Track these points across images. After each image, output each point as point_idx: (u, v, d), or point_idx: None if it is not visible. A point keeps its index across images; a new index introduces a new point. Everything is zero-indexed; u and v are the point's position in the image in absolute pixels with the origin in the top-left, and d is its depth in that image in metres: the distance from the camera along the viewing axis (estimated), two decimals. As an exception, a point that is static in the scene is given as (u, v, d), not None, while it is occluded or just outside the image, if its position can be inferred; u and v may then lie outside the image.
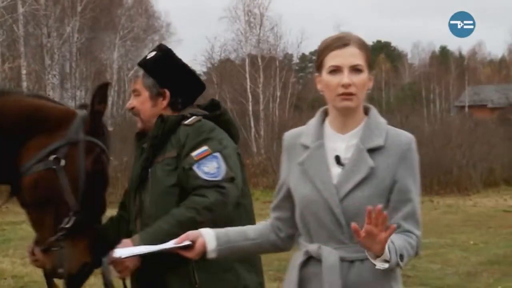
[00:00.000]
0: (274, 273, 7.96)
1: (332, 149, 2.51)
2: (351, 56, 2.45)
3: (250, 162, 23.52)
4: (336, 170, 2.48)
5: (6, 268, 9.33)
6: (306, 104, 35.95)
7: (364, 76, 2.46)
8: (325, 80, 2.48)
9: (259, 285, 3.24)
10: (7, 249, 11.00)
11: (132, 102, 3.29)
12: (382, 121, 2.55)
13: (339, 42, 2.47)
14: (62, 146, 3.02)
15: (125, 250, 2.88)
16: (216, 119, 3.22)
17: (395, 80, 57.37)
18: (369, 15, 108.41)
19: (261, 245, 2.71)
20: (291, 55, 45.24)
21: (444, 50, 61.66)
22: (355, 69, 2.45)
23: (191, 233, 2.65)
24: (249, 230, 2.72)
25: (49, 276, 3.10)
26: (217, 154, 3.07)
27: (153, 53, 3.33)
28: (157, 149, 3.17)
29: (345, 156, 2.49)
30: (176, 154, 3.11)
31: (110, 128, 3.29)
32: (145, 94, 3.25)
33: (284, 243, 2.71)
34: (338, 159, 2.49)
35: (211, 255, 2.64)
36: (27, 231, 12.07)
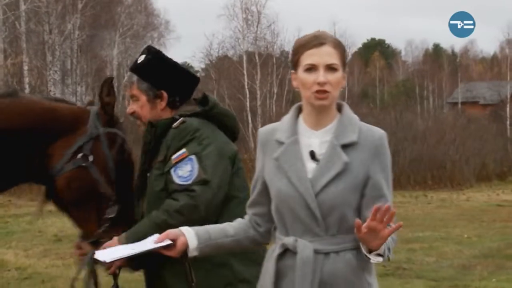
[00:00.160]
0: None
1: (306, 145, 2.52)
2: (327, 55, 2.47)
3: (247, 157, 23.86)
4: (311, 166, 2.49)
5: (9, 260, 9.45)
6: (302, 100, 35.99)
7: (339, 74, 2.48)
8: (301, 78, 2.50)
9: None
10: (10, 241, 11.12)
11: (132, 107, 3.31)
12: (355, 117, 2.56)
13: (316, 41, 2.49)
14: (86, 142, 3.10)
15: (108, 253, 2.84)
16: (206, 114, 3.22)
17: (389, 77, 57.38)
18: (364, 13, 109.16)
19: (240, 241, 2.70)
20: (288, 52, 45.36)
21: (437, 48, 61.63)
22: (330, 68, 2.46)
23: (171, 232, 2.63)
24: (228, 227, 2.70)
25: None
26: (193, 156, 3.08)
27: (143, 57, 3.30)
28: (152, 154, 3.20)
29: (319, 151, 2.50)
30: (163, 158, 3.14)
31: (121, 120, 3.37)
32: (143, 98, 3.26)
33: (263, 237, 2.70)
34: (313, 155, 2.50)
35: (193, 253, 2.63)
36: (30, 224, 12.59)
